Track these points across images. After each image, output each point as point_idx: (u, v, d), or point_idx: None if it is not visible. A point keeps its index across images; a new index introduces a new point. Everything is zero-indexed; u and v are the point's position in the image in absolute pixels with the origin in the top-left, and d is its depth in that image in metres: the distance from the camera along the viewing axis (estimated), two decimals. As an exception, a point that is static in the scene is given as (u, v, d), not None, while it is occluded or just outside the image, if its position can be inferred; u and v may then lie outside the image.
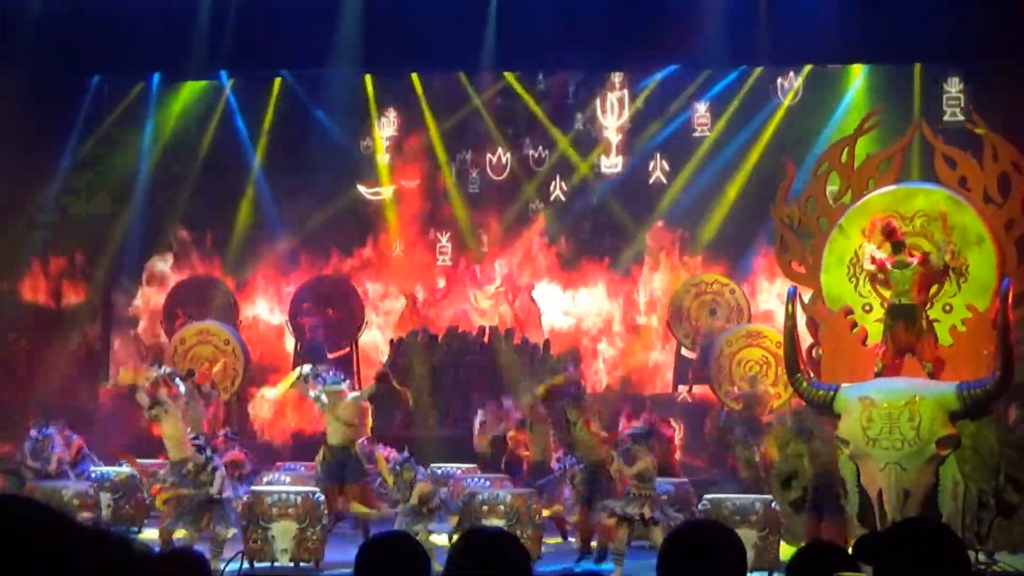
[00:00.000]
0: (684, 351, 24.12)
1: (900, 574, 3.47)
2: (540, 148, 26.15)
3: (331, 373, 16.96)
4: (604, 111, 25.84)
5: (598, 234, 25.94)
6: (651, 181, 25.75)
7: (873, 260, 14.92)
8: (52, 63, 22.82)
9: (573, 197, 26.05)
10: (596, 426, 15.93)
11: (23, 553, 1.60)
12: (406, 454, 15.14)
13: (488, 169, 26.25)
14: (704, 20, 21.91)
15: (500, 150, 26.19)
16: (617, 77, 25.70)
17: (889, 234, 14.85)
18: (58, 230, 25.25)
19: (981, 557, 13.83)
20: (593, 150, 25.87)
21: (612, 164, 25.94)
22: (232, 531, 14.48)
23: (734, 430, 20.12)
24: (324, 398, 16.28)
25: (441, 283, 25.84)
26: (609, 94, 25.80)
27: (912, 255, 14.83)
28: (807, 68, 24.70)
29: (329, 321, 24.59)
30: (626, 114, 25.74)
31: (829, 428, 14.26)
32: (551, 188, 26.08)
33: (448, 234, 26.26)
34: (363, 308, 25.12)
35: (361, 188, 26.27)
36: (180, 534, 14.63)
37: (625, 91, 25.74)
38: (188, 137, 26.12)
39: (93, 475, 17.71)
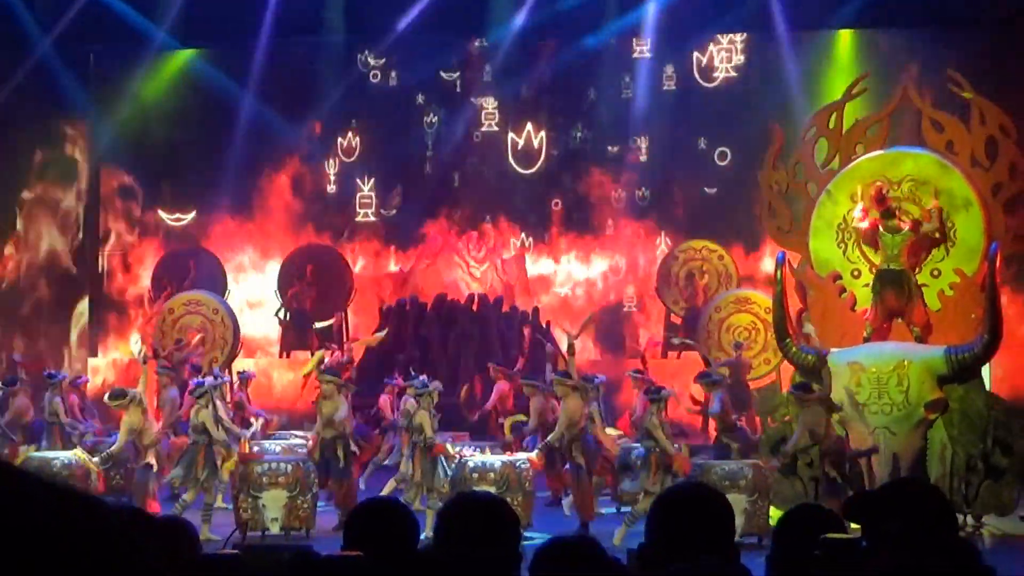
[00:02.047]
0: (672, 317, 24.13)
1: (888, 533, 3.48)
2: (526, 117, 26.07)
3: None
4: (594, 78, 25.75)
5: (583, 205, 25.85)
6: (631, 149, 25.65)
7: (865, 213, 14.90)
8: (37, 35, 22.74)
9: (558, 164, 25.97)
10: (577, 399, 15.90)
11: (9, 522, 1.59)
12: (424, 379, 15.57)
13: (479, 137, 26.15)
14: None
15: (488, 119, 26.10)
16: (607, 45, 25.54)
17: (879, 201, 14.84)
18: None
19: (969, 520, 13.88)
20: (578, 118, 25.80)
21: (591, 135, 25.85)
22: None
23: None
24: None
25: (429, 252, 25.80)
26: (595, 62, 25.69)
27: (903, 221, 14.84)
28: (794, 34, 24.63)
29: (317, 290, 24.59)
30: (617, 82, 25.65)
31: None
32: (538, 156, 25.98)
33: (439, 202, 26.17)
34: (352, 277, 25.10)
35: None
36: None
37: (610, 59, 25.62)
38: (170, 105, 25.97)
39: (86, 441, 17.72)
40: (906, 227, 14.80)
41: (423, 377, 15.81)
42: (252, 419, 18.14)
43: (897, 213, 14.85)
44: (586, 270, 25.55)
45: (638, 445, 16.30)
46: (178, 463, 15.18)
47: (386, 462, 17.55)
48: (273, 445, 17.81)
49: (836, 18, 23.48)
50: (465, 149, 26.24)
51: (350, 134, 26.53)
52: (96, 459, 16.05)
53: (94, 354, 25.54)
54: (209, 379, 16.08)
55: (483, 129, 26.19)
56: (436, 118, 26.22)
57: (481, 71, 26.02)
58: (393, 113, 26.24)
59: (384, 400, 18.11)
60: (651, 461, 14.92)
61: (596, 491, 16.26)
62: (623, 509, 16.77)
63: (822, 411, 14.09)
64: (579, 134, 25.89)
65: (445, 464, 15.32)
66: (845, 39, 24.56)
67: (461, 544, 3.31)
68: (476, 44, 25.90)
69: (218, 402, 15.40)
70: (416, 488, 15.07)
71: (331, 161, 26.42)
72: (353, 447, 15.59)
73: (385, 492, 14.53)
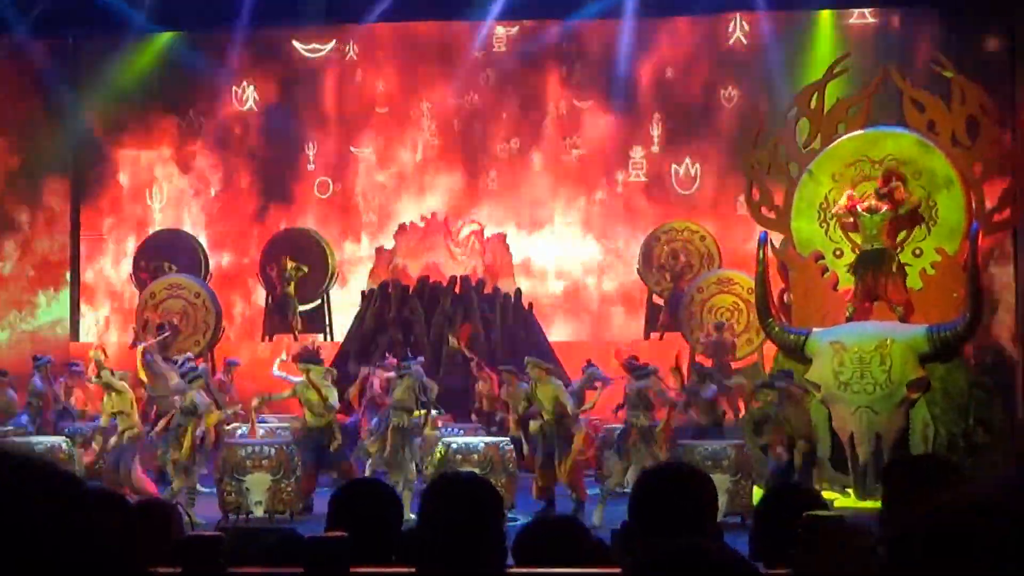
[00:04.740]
0: (655, 298, 24.14)
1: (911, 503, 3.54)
2: (511, 94, 26.03)
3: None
4: (563, 57, 25.70)
5: (569, 180, 25.83)
6: (618, 129, 25.64)
7: (850, 198, 14.93)
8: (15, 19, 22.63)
9: (542, 144, 25.93)
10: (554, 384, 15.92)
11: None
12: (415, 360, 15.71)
13: (459, 117, 26.12)
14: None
15: (472, 96, 26.03)
16: (570, 24, 25.42)
17: (887, 180, 14.85)
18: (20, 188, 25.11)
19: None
20: (560, 97, 25.75)
21: (579, 111, 25.83)
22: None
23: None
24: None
25: (413, 233, 25.77)
26: (574, 38, 25.64)
27: (882, 201, 14.88)
28: (777, 15, 24.62)
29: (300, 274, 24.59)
30: (588, 60, 25.60)
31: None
32: (522, 135, 25.94)
33: (420, 183, 26.15)
34: (333, 260, 25.08)
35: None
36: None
37: (593, 35, 25.58)
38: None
39: (67, 430, 17.72)
40: (885, 207, 14.84)
41: (420, 358, 15.87)
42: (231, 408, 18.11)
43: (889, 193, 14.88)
44: (573, 251, 25.58)
45: (619, 426, 16.35)
46: (163, 443, 15.23)
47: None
48: (257, 428, 17.82)
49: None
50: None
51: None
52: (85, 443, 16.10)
53: (75, 338, 25.49)
54: (201, 365, 16.21)
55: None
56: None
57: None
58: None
59: (376, 382, 18.11)
60: (632, 435, 14.98)
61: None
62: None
63: (802, 401, 14.25)
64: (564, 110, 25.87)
65: (412, 447, 15.31)
66: (826, 19, 24.54)
67: (445, 524, 3.32)
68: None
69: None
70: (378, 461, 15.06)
71: (310, 144, 26.35)
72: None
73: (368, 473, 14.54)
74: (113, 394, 15.67)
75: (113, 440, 15.61)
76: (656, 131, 25.42)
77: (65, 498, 1.61)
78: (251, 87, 26.21)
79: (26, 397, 18.36)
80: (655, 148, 25.43)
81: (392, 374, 15.96)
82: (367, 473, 14.91)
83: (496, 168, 25.94)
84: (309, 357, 15.82)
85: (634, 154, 25.47)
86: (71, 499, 1.61)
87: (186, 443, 14.79)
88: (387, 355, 18.84)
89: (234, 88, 26.18)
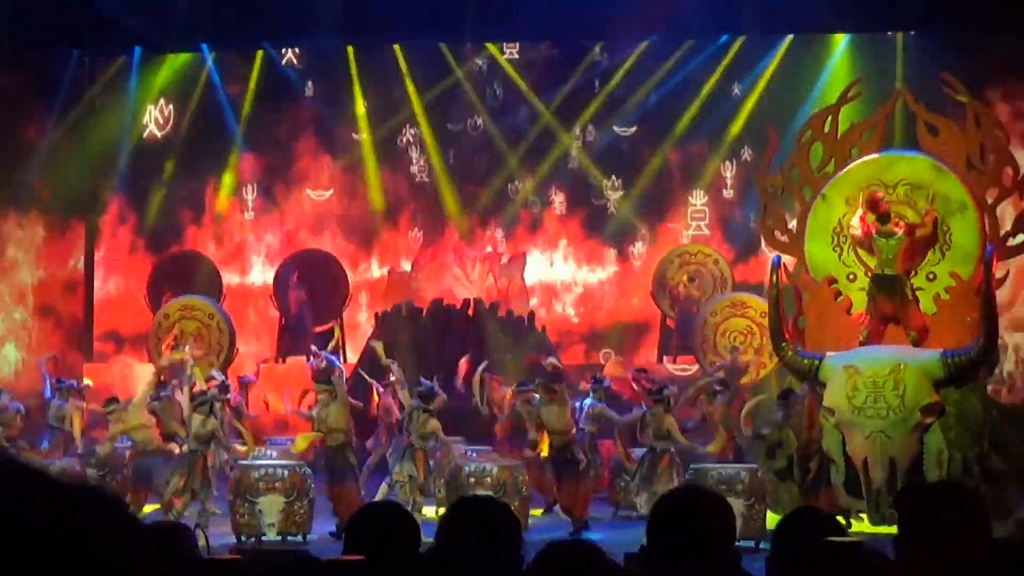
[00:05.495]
0: (668, 321, 24.13)
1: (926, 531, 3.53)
2: (523, 119, 26.04)
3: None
4: (587, 82, 25.74)
5: (580, 205, 25.84)
6: (634, 152, 25.67)
7: (863, 221, 14.89)
8: (29, 36, 22.66)
9: (556, 168, 25.95)
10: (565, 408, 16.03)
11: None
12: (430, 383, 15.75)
13: (472, 141, 26.15)
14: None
15: (482, 121, 26.08)
16: (598, 48, 25.57)
17: (873, 206, 14.82)
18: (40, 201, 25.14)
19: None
20: (576, 121, 25.76)
21: (595, 135, 25.86)
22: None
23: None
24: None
25: (424, 255, 25.79)
26: (591, 65, 25.69)
27: (897, 225, 14.83)
28: (789, 38, 24.64)
29: (314, 295, 24.60)
30: (610, 84, 25.63)
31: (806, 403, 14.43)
32: (535, 159, 25.98)
33: (433, 206, 26.17)
34: (348, 282, 25.11)
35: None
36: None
37: (605, 62, 25.62)
38: (170, 110, 26.05)
39: (80, 451, 17.73)
40: (900, 231, 14.79)
41: (430, 383, 15.85)
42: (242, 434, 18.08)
43: (892, 217, 14.84)
44: (586, 275, 25.60)
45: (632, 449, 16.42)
46: (175, 471, 15.17)
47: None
48: (270, 450, 17.85)
49: (831, 22, 23.46)
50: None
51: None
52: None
53: (89, 358, 25.49)
54: (213, 389, 16.14)
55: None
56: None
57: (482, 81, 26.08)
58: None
59: (388, 401, 18.11)
60: (663, 462, 15.09)
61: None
62: (619, 512, 16.85)
63: (804, 414, 14.33)
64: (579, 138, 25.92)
65: (429, 464, 15.43)
66: (840, 43, 24.56)
67: (463, 547, 3.32)
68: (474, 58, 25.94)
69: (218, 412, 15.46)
70: (412, 487, 15.07)
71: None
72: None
73: (379, 497, 14.50)
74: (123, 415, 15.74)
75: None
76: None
77: (62, 501, 1.61)
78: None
79: (48, 420, 18.32)
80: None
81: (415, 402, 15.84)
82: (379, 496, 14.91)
83: (509, 190, 25.99)
84: (324, 378, 15.94)
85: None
86: (68, 503, 1.62)
87: (196, 475, 14.84)
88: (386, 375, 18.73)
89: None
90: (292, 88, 25.94)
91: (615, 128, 25.61)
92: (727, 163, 25.10)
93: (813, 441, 14.56)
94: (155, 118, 26.09)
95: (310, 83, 26.06)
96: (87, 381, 20.44)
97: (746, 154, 24.62)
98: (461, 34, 24.22)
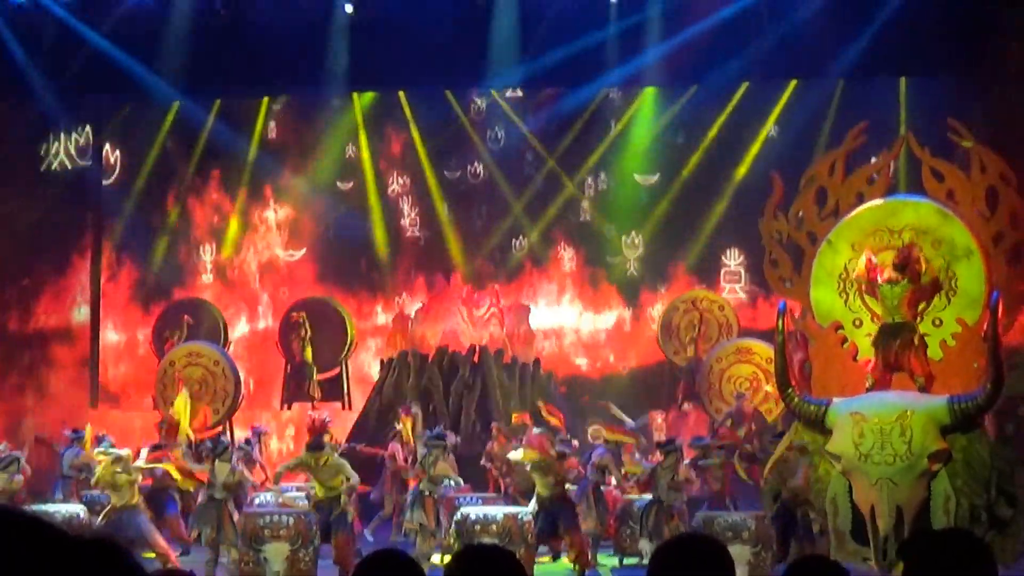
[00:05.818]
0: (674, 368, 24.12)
1: None
2: (528, 165, 26.11)
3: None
4: (591, 129, 25.82)
5: (586, 252, 25.89)
6: (637, 198, 25.72)
7: (869, 263, 14.85)
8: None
9: (561, 215, 26.00)
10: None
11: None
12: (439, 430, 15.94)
13: (476, 188, 26.21)
14: (688, 36, 22.01)
15: (486, 168, 26.14)
16: (607, 93, 25.65)
17: (904, 259, 14.73)
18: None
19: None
20: (580, 168, 25.83)
21: (598, 182, 25.92)
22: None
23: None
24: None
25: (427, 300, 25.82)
26: (595, 112, 25.78)
27: (902, 272, 14.80)
28: (793, 83, 24.72)
29: (315, 342, 24.61)
30: (612, 131, 25.72)
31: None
32: (540, 206, 26.03)
33: (438, 252, 26.22)
34: (352, 328, 25.11)
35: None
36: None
37: (613, 108, 25.72)
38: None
39: (84, 497, 17.67)
40: (904, 278, 14.76)
41: (439, 429, 15.95)
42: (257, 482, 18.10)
43: (908, 267, 14.78)
44: (591, 321, 25.62)
45: (639, 497, 16.35)
46: (200, 521, 15.27)
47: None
48: (274, 497, 17.78)
49: (835, 67, 23.54)
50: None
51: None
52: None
53: (95, 406, 25.49)
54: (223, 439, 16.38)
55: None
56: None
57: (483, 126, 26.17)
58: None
59: (394, 448, 18.09)
60: (674, 519, 15.06)
61: (596, 542, 16.27)
62: (625, 561, 16.78)
63: (796, 461, 14.26)
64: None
65: (440, 513, 15.43)
66: (844, 88, 24.63)
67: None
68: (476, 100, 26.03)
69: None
70: (424, 534, 15.02)
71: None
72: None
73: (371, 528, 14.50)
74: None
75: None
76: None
77: (68, 552, 1.61)
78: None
79: (61, 470, 18.31)
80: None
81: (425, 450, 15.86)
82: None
83: (518, 238, 26.02)
84: (316, 444, 15.74)
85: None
86: (75, 554, 1.61)
87: (226, 521, 14.98)
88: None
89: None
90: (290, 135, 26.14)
91: (616, 176, 25.68)
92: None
93: (800, 491, 14.51)
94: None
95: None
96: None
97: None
98: (467, 81, 24.33)
